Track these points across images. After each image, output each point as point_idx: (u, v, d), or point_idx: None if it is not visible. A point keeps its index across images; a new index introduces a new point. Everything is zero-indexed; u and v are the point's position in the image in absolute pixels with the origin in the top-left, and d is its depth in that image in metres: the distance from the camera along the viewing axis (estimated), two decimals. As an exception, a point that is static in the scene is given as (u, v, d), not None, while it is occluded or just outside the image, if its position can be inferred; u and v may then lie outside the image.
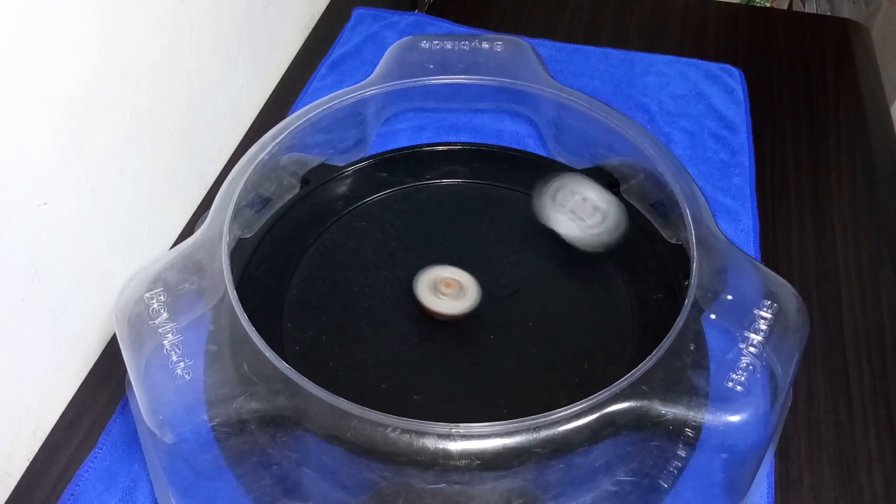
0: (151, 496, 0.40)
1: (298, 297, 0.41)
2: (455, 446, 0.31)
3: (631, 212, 0.45)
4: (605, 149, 0.48)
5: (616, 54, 0.67)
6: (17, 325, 0.40)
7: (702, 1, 0.75)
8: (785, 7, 1.10)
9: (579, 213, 0.41)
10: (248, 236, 0.44)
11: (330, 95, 0.47)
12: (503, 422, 0.31)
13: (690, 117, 0.61)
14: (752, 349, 0.34)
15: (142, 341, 0.34)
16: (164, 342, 0.33)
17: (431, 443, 0.31)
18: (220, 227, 0.39)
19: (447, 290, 0.39)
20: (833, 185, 0.57)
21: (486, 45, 0.52)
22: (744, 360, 0.33)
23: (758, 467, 0.35)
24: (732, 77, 0.64)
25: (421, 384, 0.38)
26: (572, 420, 0.31)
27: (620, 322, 0.40)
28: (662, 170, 0.43)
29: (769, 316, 0.35)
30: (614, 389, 0.32)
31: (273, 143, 0.44)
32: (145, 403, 0.32)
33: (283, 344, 0.39)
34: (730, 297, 0.36)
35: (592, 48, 0.67)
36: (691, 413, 0.32)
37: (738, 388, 0.33)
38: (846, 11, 1.05)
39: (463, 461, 0.31)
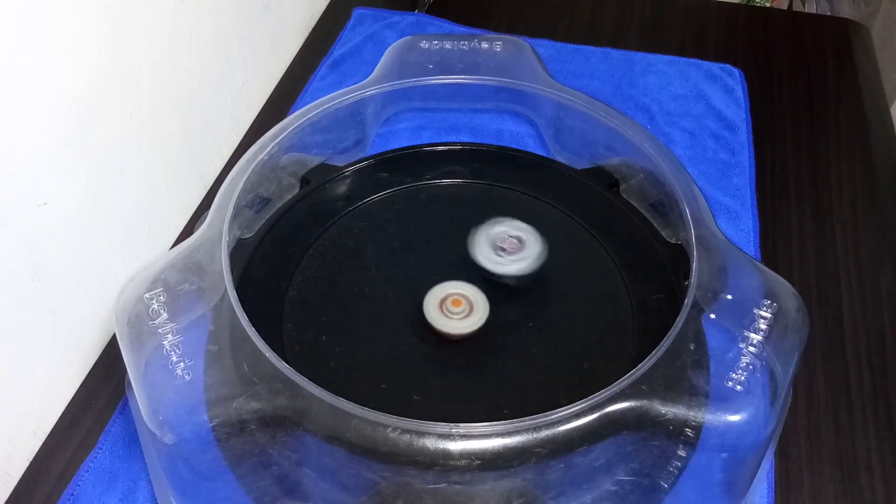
0: (151, 496, 0.40)
1: (298, 297, 0.41)
2: (455, 446, 0.31)
3: (631, 212, 0.45)
4: (605, 149, 0.48)
5: (616, 54, 0.67)
6: (17, 325, 0.40)
7: (702, 1, 0.75)
8: (785, 7, 1.10)
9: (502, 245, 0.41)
10: (247, 236, 0.44)
11: (330, 95, 0.47)
12: (503, 422, 0.31)
13: (690, 117, 0.61)
14: (751, 349, 0.34)
15: (142, 341, 0.34)
16: (164, 342, 0.33)
17: (431, 443, 0.31)
18: (219, 228, 0.39)
19: (456, 310, 0.39)
20: (833, 185, 0.57)
21: (485, 45, 0.52)
22: (744, 360, 0.33)
23: (758, 467, 0.35)
24: (732, 77, 0.64)
25: (421, 384, 0.38)
26: (572, 420, 0.31)
27: (620, 322, 0.40)
28: (662, 170, 0.43)
29: (769, 316, 0.35)
30: (614, 389, 0.32)
31: (273, 143, 0.44)
32: (145, 404, 0.32)
33: (283, 344, 0.39)
34: (730, 297, 0.36)
35: (592, 48, 0.67)
36: (691, 413, 0.32)
37: (738, 387, 0.33)
38: (846, 11, 1.05)
39: (463, 461, 0.31)
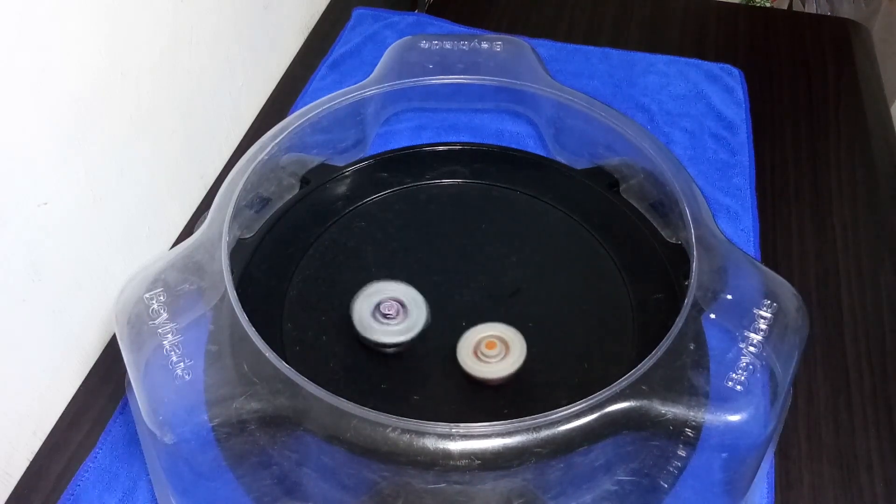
0: (151, 496, 0.40)
1: (298, 297, 0.41)
2: (455, 446, 0.31)
3: (631, 212, 0.45)
4: (605, 149, 0.48)
5: (616, 54, 0.67)
6: (17, 325, 0.40)
7: (702, 1, 0.75)
8: (785, 7, 1.10)
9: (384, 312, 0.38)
10: (247, 236, 0.44)
11: (330, 95, 0.47)
12: (503, 422, 0.31)
13: (690, 117, 0.61)
14: (751, 349, 0.34)
15: (141, 341, 0.34)
16: (164, 342, 0.33)
17: (431, 443, 0.31)
18: (219, 228, 0.39)
19: (490, 352, 0.37)
20: (833, 185, 0.57)
21: (485, 45, 0.52)
22: (744, 360, 0.33)
23: (758, 467, 0.35)
24: (732, 77, 0.64)
25: (421, 384, 0.38)
26: (572, 420, 0.31)
27: (620, 322, 0.40)
28: (662, 170, 0.43)
29: (769, 315, 0.35)
30: (614, 389, 0.32)
31: (273, 143, 0.44)
32: (145, 404, 0.32)
33: (283, 344, 0.39)
34: (730, 297, 0.36)
35: (592, 48, 0.67)
36: (691, 413, 0.32)
37: (738, 387, 0.33)
38: (846, 11, 1.05)
39: (463, 461, 0.31)
